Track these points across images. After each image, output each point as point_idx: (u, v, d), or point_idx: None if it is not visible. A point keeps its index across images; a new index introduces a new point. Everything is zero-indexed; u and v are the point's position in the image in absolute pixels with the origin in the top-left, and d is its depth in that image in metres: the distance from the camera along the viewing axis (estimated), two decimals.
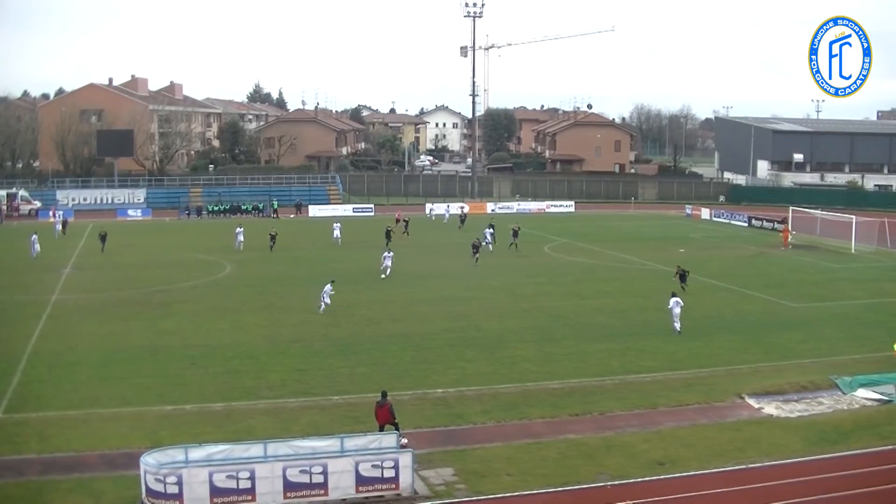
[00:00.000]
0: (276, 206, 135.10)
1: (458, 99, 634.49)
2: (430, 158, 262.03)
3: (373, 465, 31.90)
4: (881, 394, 45.49)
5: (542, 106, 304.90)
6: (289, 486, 31.03)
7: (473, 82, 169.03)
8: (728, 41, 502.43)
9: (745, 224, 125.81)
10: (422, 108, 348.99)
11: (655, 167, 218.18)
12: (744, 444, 38.17)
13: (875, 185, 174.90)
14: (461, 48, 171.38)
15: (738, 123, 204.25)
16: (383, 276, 75.79)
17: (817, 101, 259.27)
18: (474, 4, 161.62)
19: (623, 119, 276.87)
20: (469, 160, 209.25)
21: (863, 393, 45.76)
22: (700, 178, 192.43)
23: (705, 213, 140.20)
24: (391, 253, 78.31)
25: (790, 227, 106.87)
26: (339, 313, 62.21)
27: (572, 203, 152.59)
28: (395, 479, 32.05)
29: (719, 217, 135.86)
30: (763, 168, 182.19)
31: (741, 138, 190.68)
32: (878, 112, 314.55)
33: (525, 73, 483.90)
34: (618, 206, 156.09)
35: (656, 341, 55.33)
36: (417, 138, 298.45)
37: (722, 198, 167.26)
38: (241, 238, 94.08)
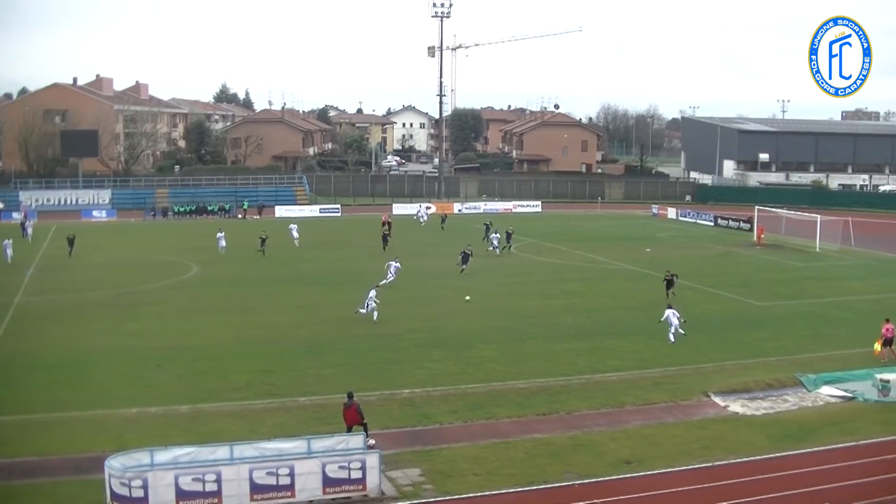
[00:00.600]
0: (246, 207, 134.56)
1: (425, 99, 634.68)
2: (398, 159, 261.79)
3: (340, 467, 31.83)
4: (845, 391, 45.83)
5: (510, 106, 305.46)
6: (255, 489, 30.91)
7: (441, 82, 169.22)
8: (695, 41, 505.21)
9: (712, 223, 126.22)
10: (389, 109, 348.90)
11: (622, 167, 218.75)
12: (710, 442, 38.35)
13: (839, 185, 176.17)
14: (429, 48, 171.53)
15: (705, 123, 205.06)
16: (383, 281, 70.20)
17: (783, 101, 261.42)
18: (442, 5, 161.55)
19: (590, 119, 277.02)
20: (436, 160, 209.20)
21: (827, 390, 46.07)
22: (667, 178, 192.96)
23: (672, 212, 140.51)
24: (398, 264, 74.07)
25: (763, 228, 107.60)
26: (305, 314, 62.14)
27: (539, 203, 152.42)
28: (363, 480, 31.98)
29: (686, 216, 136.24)
30: (729, 168, 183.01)
31: (707, 138, 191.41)
32: (842, 112, 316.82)
33: (492, 74, 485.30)
34: (585, 205, 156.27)
35: (623, 341, 55.47)
36: (384, 138, 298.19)
37: (688, 197, 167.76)
38: (224, 243, 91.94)
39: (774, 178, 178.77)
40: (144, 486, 29.88)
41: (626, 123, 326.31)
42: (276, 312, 63.03)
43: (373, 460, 32.28)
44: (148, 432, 37.90)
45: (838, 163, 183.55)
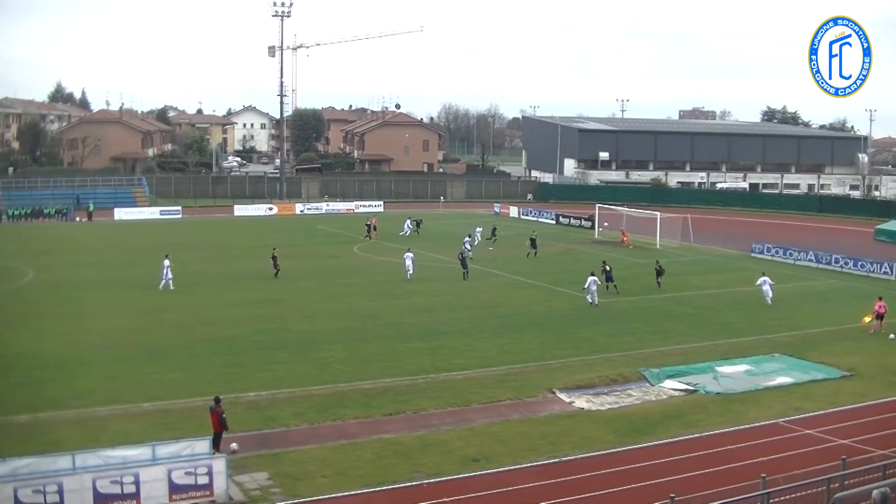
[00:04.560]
0: (91, 209, 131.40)
1: (266, 99, 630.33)
2: (238, 159, 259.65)
3: (186, 473, 31.28)
4: (687, 384, 46.73)
5: (351, 106, 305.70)
6: (99, 498, 30.15)
7: (281, 82, 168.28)
8: (536, 41, 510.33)
9: (553, 221, 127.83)
10: (229, 109, 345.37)
11: (464, 166, 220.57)
12: (556, 437, 38.69)
13: (678, 182, 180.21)
14: (269, 48, 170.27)
15: (545, 122, 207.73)
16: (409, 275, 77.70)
17: (622, 100, 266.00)
18: (282, 4, 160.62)
19: (431, 119, 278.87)
20: (277, 161, 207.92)
21: (670, 384, 46.96)
22: (508, 177, 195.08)
23: (514, 211, 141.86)
24: (411, 254, 79.61)
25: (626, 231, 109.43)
26: (148, 318, 61.06)
27: (381, 203, 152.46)
28: (210, 486, 31.50)
29: (527, 215, 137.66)
30: (570, 166, 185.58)
31: (548, 137, 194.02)
32: (679, 111, 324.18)
33: (333, 73, 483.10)
34: (427, 205, 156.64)
35: (467, 339, 55.75)
36: (225, 139, 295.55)
37: (530, 196, 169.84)
38: (170, 275, 72.50)
39: (615, 176, 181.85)
40: None
41: (467, 123, 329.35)
42: (116, 317, 61.71)
43: (219, 465, 31.82)
44: None
45: (677, 161, 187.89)
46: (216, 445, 34.57)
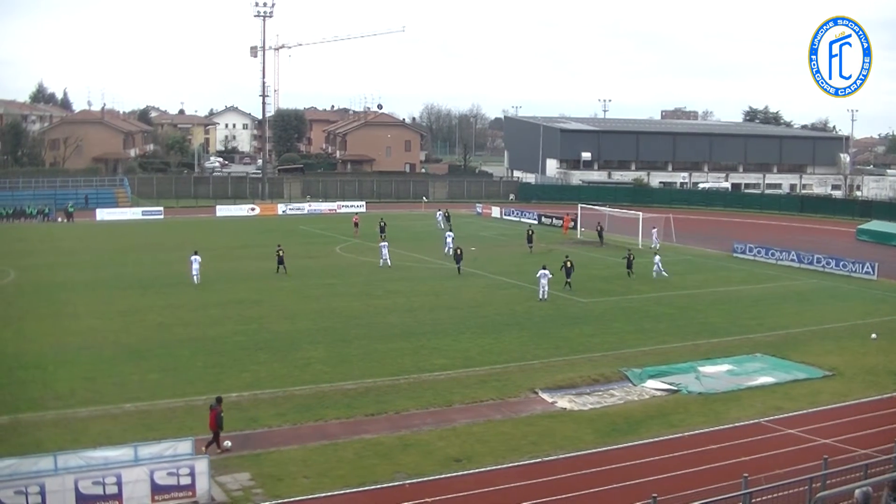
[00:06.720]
0: (72, 210, 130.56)
1: (248, 99, 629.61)
2: (220, 160, 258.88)
3: (168, 473, 31.16)
4: (669, 384, 46.74)
5: (333, 106, 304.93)
6: (81, 499, 29.98)
7: (263, 83, 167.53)
8: (518, 41, 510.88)
9: (535, 221, 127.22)
10: (211, 109, 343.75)
11: (446, 166, 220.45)
12: (538, 438, 38.66)
13: (660, 182, 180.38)
14: (251, 48, 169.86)
15: (527, 123, 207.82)
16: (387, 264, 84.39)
17: (604, 100, 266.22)
18: (264, 4, 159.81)
19: (413, 119, 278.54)
20: (259, 161, 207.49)
21: (652, 384, 46.98)
22: (490, 177, 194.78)
23: (496, 211, 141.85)
24: (385, 244, 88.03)
25: (570, 218, 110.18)
26: (129, 319, 60.84)
27: (363, 203, 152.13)
28: (192, 486, 31.38)
29: (509, 215, 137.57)
30: (552, 166, 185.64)
31: (530, 137, 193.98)
32: (661, 111, 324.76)
33: (315, 74, 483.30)
34: (409, 205, 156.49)
35: (448, 339, 55.67)
36: (207, 139, 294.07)
37: (512, 196, 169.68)
38: (197, 266, 75.12)
39: (597, 176, 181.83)
40: None
41: (449, 123, 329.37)
42: (97, 318, 61.50)
43: (202, 466, 31.68)
44: None
45: (659, 161, 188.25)
46: (217, 443, 35.67)
